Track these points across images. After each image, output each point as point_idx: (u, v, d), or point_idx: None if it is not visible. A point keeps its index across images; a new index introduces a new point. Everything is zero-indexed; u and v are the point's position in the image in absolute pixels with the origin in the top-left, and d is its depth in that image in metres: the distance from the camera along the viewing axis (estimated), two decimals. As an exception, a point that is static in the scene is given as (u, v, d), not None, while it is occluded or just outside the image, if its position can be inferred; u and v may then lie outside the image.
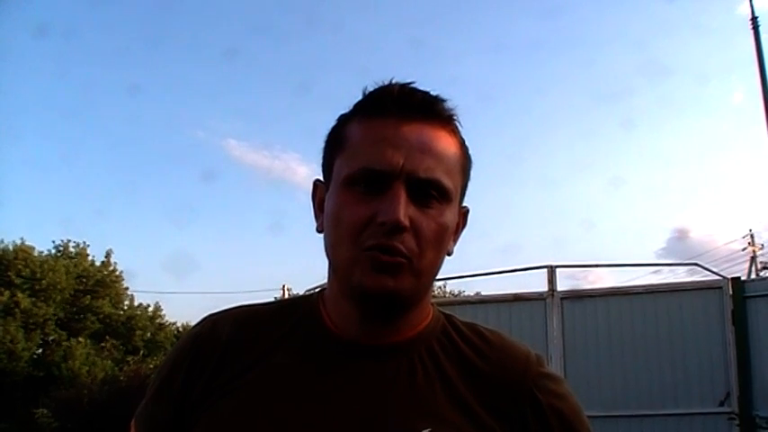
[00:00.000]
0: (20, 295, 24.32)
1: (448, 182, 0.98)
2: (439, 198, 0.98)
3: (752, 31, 14.43)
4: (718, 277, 8.33)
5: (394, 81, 1.01)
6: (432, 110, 1.00)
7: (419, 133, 0.98)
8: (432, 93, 1.02)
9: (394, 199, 0.94)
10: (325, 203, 1.03)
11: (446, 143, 1.00)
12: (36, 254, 26.29)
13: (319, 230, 1.05)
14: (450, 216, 1.00)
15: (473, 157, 1.06)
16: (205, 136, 42.95)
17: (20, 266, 25.08)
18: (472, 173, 1.07)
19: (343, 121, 1.04)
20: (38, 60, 38.15)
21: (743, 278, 9.11)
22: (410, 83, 1.01)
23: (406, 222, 0.94)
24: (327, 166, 1.04)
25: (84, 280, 27.11)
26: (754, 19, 14.44)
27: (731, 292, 7.84)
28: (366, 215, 0.95)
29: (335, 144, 1.03)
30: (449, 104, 1.02)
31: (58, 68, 40.02)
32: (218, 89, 43.09)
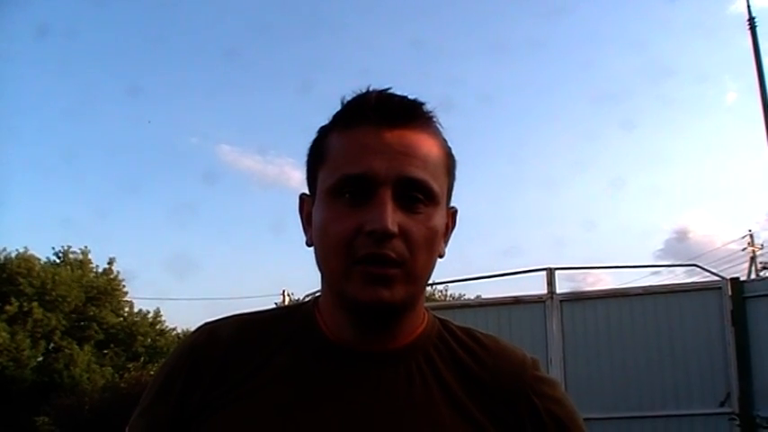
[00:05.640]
0: (33, 305, 24.39)
1: (434, 184, 0.98)
2: (426, 201, 0.97)
3: (749, 32, 14.47)
4: (717, 278, 8.33)
5: (371, 89, 1.01)
6: (411, 114, 0.99)
7: (400, 138, 0.97)
8: (409, 96, 1.01)
9: (380, 206, 0.93)
10: (313, 217, 1.02)
11: (428, 146, 0.99)
12: (39, 263, 26.34)
13: (309, 244, 1.04)
14: (438, 219, 0.99)
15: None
16: (198, 142, 42.84)
17: (31, 275, 25.13)
18: (458, 173, 1.07)
19: (324, 132, 1.04)
20: (38, 60, 38.15)
21: (742, 278, 9.11)
22: (387, 89, 1.01)
23: (395, 229, 0.93)
24: (311, 179, 1.04)
25: (87, 288, 27.14)
26: (751, 20, 14.48)
27: (730, 293, 7.83)
28: (353, 226, 0.94)
29: (317, 157, 1.03)
30: (427, 107, 1.02)
31: (59, 68, 40.03)
32: (211, 93, 43.17)
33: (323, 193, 0.99)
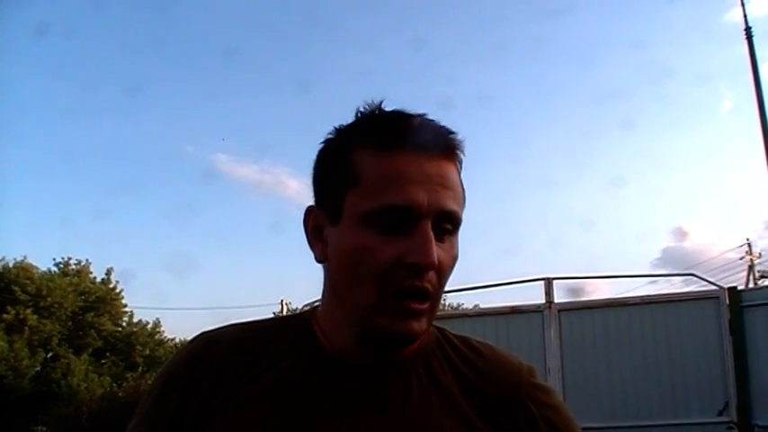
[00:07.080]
0: (27, 312, 24.33)
1: (461, 214, 0.99)
2: (452, 230, 0.98)
3: (745, 42, 14.54)
4: (714, 287, 8.34)
5: (404, 112, 1.01)
6: (448, 144, 0.99)
7: (438, 169, 0.97)
8: (443, 125, 1.01)
9: (425, 240, 0.93)
10: (333, 237, 1.00)
11: (455, 176, 1.00)
12: (38, 272, 26.28)
13: (320, 261, 1.03)
14: (457, 245, 1.00)
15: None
16: (194, 150, 42.75)
17: (25, 282, 25.06)
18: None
19: (351, 148, 0.99)
20: (38, 60, 38.15)
21: (740, 288, 9.12)
22: (422, 114, 1.00)
23: (437, 262, 0.94)
24: (334, 197, 0.99)
25: (84, 297, 27.09)
26: (747, 29, 14.54)
27: (728, 302, 7.84)
28: (392, 256, 0.93)
29: (345, 175, 0.98)
30: (459, 136, 1.01)
31: (58, 68, 40.02)
32: (208, 100, 43.09)
33: (355, 218, 0.96)
